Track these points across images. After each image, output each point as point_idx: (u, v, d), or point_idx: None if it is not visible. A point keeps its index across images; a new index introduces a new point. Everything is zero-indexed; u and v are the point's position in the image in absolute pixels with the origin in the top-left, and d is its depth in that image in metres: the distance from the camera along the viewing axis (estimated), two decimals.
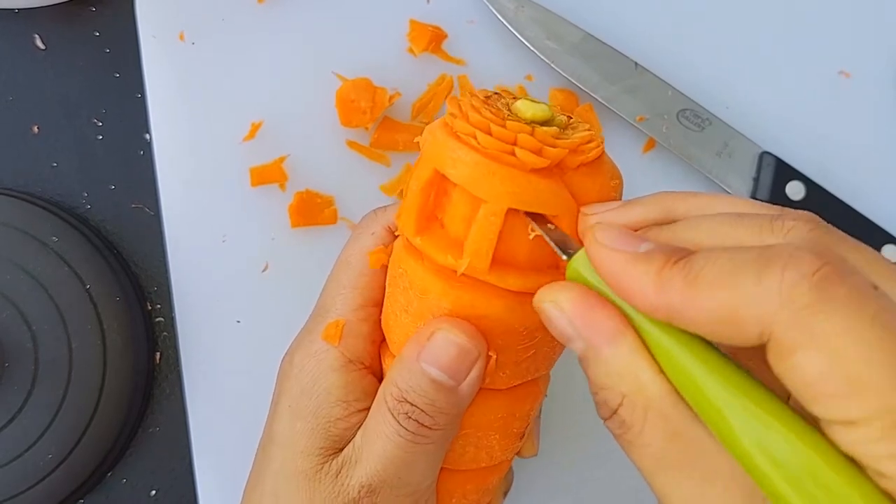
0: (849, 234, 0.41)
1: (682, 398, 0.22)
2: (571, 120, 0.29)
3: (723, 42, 0.43)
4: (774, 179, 0.40)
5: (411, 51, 0.41)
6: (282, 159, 0.41)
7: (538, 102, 0.28)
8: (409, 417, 0.27)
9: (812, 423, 0.20)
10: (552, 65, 0.41)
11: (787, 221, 0.22)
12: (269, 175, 0.40)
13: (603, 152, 0.28)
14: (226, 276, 0.41)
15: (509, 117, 0.27)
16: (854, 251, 0.21)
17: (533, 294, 0.26)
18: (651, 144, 0.42)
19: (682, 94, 0.41)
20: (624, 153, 0.42)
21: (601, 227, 0.23)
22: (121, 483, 0.42)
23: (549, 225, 0.26)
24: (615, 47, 0.41)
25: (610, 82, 0.41)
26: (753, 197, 0.41)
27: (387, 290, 0.30)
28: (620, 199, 0.28)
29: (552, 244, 0.25)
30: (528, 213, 0.26)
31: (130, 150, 0.42)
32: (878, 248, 0.41)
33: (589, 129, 0.28)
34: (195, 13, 0.41)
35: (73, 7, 0.42)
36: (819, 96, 0.43)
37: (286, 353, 0.32)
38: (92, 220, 0.42)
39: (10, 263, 0.39)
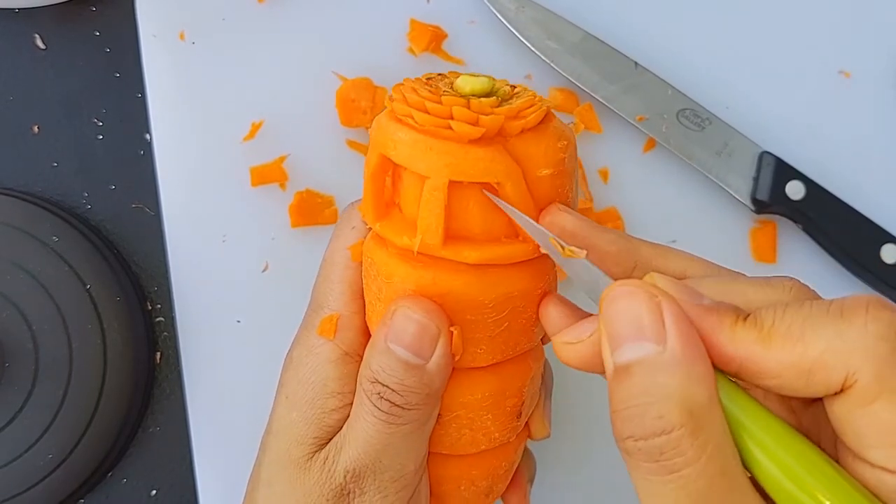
0: (849, 233, 0.41)
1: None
2: (516, 89, 0.29)
3: (723, 42, 0.43)
4: (774, 179, 0.40)
5: (412, 50, 0.41)
6: (282, 159, 0.41)
7: (478, 76, 0.28)
8: (382, 398, 0.28)
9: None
10: (552, 64, 0.41)
11: (785, 282, 0.24)
12: (269, 175, 0.40)
13: (549, 116, 0.28)
14: (226, 276, 0.41)
15: (447, 93, 0.27)
16: None
17: (493, 265, 0.27)
18: (651, 144, 0.42)
19: (682, 93, 0.41)
20: (624, 153, 0.42)
21: (661, 276, 0.23)
22: (121, 483, 0.42)
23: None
24: (615, 47, 0.41)
25: (610, 82, 0.41)
26: (753, 197, 0.41)
27: (364, 283, 0.31)
28: (572, 161, 0.28)
29: (600, 274, 0.25)
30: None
31: (131, 149, 0.42)
32: (878, 248, 0.41)
33: (533, 96, 0.28)
34: (195, 13, 0.41)
35: (73, 7, 0.42)
36: (819, 96, 0.43)
37: (289, 349, 0.33)
38: (92, 220, 0.42)
39: (10, 263, 0.39)
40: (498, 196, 0.27)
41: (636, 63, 0.41)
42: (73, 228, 0.40)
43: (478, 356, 0.29)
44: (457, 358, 0.28)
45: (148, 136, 0.42)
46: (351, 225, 0.32)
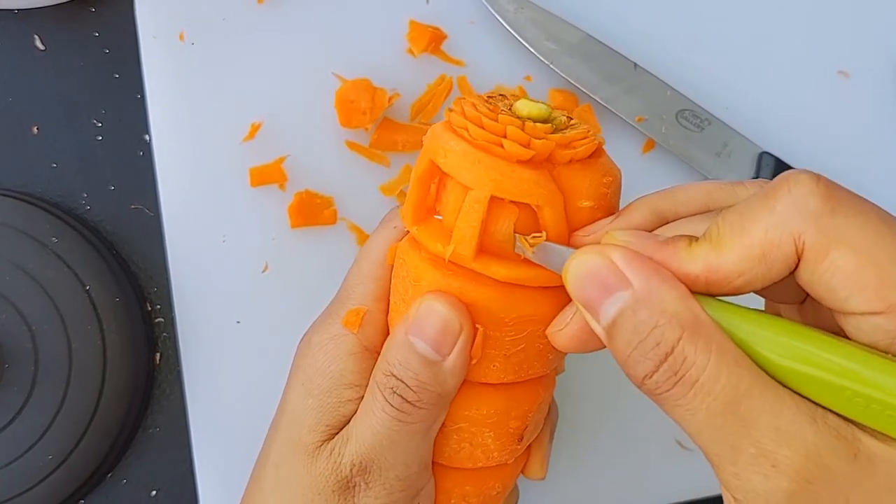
0: None
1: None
2: (572, 121, 0.29)
3: (722, 42, 0.43)
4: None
5: (411, 51, 0.41)
6: (281, 159, 0.41)
7: (538, 102, 0.28)
8: (395, 392, 0.28)
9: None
10: (551, 66, 0.41)
11: (749, 183, 0.26)
12: (268, 175, 0.41)
13: (600, 151, 0.29)
14: (226, 276, 0.41)
15: (505, 113, 0.28)
16: None
17: (519, 286, 0.27)
18: (650, 145, 0.42)
19: (682, 94, 0.41)
20: (623, 154, 0.42)
21: (620, 231, 0.25)
22: (121, 483, 0.42)
23: (537, 235, 0.27)
24: (614, 48, 0.41)
25: (609, 83, 0.41)
26: None
27: (392, 283, 0.31)
28: (615, 197, 0.29)
29: (541, 263, 0.26)
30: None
31: (130, 150, 0.42)
32: None
33: (587, 129, 0.28)
34: (195, 13, 0.41)
35: (72, 7, 0.42)
36: (819, 96, 0.43)
37: (305, 334, 0.33)
38: (91, 221, 0.42)
39: (9, 264, 0.39)
40: (534, 219, 0.27)
41: (635, 64, 0.41)
42: (72, 229, 0.40)
43: (490, 372, 0.29)
44: (474, 361, 0.29)
45: (147, 137, 0.42)
46: (394, 224, 0.32)
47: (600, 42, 0.41)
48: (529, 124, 0.27)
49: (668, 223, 0.27)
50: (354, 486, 0.29)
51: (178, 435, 0.42)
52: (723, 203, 0.26)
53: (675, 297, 0.23)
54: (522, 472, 0.35)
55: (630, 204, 0.28)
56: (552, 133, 0.27)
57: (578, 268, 0.24)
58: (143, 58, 0.41)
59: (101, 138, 0.42)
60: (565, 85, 0.41)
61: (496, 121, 0.27)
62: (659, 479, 0.42)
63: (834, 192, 0.22)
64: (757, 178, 0.41)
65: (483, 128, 0.27)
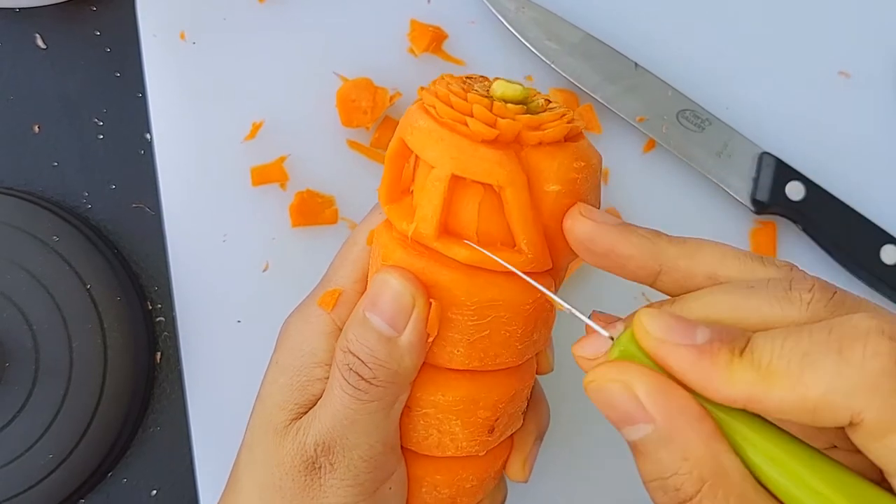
0: (849, 234, 0.41)
1: (755, 478, 0.22)
2: (551, 104, 0.29)
3: (722, 42, 0.43)
4: (774, 180, 0.40)
5: (412, 51, 0.41)
6: (282, 159, 0.41)
7: (515, 83, 0.28)
8: (351, 370, 0.28)
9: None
10: (552, 65, 0.41)
11: (803, 293, 0.23)
12: (269, 175, 0.41)
13: (577, 136, 0.28)
14: (226, 275, 0.41)
15: (476, 93, 0.27)
16: (875, 310, 0.23)
17: (483, 269, 0.27)
18: (651, 145, 0.42)
19: (682, 94, 0.41)
20: (624, 153, 0.42)
21: (650, 315, 0.23)
22: (121, 483, 0.42)
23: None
24: (615, 48, 0.41)
25: (610, 83, 0.41)
26: (753, 198, 0.41)
27: (369, 264, 0.31)
28: (587, 183, 0.28)
29: (590, 323, 0.25)
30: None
31: (131, 149, 0.42)
32: (878, 249, 0.41)
33: (564, 113, 0.28)
34: (196, 12, 0.41)
35: (73, 6, 0.42)
36: (819, 96, 0.43)
37: (288, 316, 0.33)
38: (93, 220, 0.42)
39: (10, 263, 0.39)
40: (499, 201, 0.27)
41: (636, 64, 0.41)
42: (73, 228, 0.40)
43: (454, 357, 0.29)
44: (430, 339, 0.28)
45: (148, 136, 0.42)
46: (380, 210, 0.32)
47: (601, 42, 0.41)
48: (498, 104, 0.27)
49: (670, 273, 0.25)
50: (320, 466, 0.29)
51: (178, 434, 0.42)
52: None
53: (699, 440, 0.21)
54: (505, 471, 0.34)
55: (636, 228, 0.26)
56: (524, 114, 0.27)
57: (597, 393, 0.23)
58: (145, 57, 0.41)
59: (102, 137, 0.42)
60: (566, 84, 0.41)
61: (465, 99, 0.27)
62: None
63: None
64: (757, 178, 0.41)
65: (451, 106, 0.27)
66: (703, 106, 0.41)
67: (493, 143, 0.26)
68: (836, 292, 0.23)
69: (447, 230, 0.27)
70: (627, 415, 0.22)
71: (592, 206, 0.28)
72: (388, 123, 0.41)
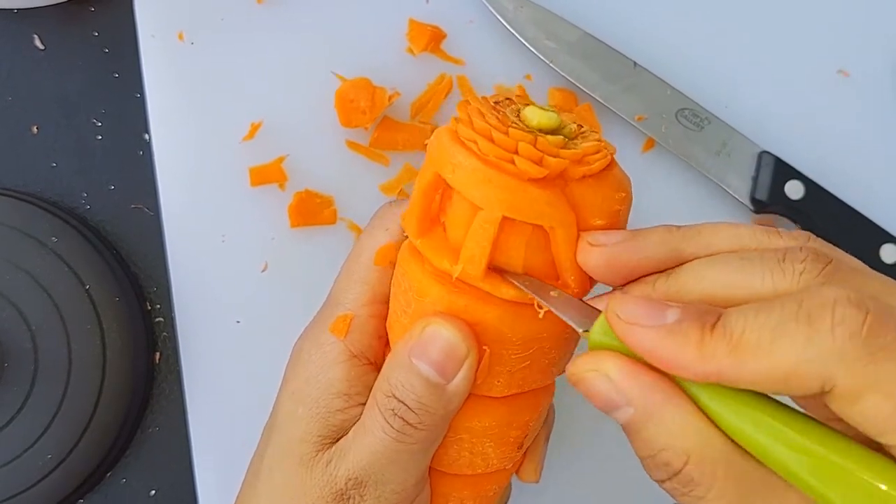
0: (848, 233, 0.41)
1: (740, 446, 0.22)
2: (582, 129, 0.29)
3: (722, 41, 0.43)
4: (773, 178, 0.40)
5: (410, 50, 0.41)
6: (281, 159, 0.41)
7: (547, 110, 0.27)
8: (396, 415, 0.28)
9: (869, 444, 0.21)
10: (551, 64, 0.41)
11: (795, 264, 0.23)
12: (268, 175, 0.40)
13: (612, 164, 0.28)
14: (226, 276, 0.41)
15: (514, 125, 0.27)
16: (867, 279, 0.23)
17: (528, 304, 0.27)
18: (650, 144, 0.42)
19: (681, 93, 0.41)
20: (623, 153, 0.42)
21: (619, 301, 0.23)
22: (121, 483, 0.42)
23: (553, 293, 0.26)
24: (614, 47, 0.41)
25: (609, 82, 0.41)
26: (752, 197, 0.41)
27: (391, 290, 0.30)
28: (626, 212, 0.28)
29: (565, 318, 0.25)
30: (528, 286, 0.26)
31: (130, 150, 0.42)
32: (877, 248, 0.41)
33: (598, 140, 0.28)
34: (194, 13, 0.41)
35: (72, 7, 0.42)
36: (818, 95, 0.43)
37: (298, 339, 0.33)
38: (91, 220, 0.42)
39: (9, 263, 0.39)
40: (546, 238, 0.26)
41: (635, 63, 0.41)
42: (72, 228, 0.40)
43: (494, 387, 0.29)
44: (479, 382, 0.28)
45: (147, 136, 0.42)
46: (384, 227, 0.32)
47: (600, 41, 0.41)
48: (542, 139, 0.26)
49: (685, 263, 0.25)
50: (349, 498, 0.29)
51: (178, 435, 0.42)
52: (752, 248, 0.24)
53: (676, 415, 0.22)
54: (517, 474, 0.34)
55: (649, 233, 0.26)
56: (564, 146, 0.26)
57: (578, 385, 0.24)
58: (143, 57, 0.41)
59: (100, 138, 0.42)
60: (565, 83, 0.41)
61: (506, 134, 0.26)
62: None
63: (879, 333, 0.20)
64: (756, 177, 0.41)
65: (493, 142, 0.26)
66: (703, 105, 0.41)
67: (541, 181, 0.26)
68: (830, 262, 0.23)
69: (490, 267, 0.27)
70: (610, 400, 0.23)
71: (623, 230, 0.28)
72: (386, 123, 0.41)
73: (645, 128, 0.41)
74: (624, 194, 0.27)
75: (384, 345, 0.32)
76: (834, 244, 0.40)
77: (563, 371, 0.34)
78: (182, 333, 0.41)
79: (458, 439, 0.30)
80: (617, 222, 0.27)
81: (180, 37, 0.41)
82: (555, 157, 0.26)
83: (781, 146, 0.42)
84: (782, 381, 0.21)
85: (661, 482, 0.23)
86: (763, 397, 0.22)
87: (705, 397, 0.22)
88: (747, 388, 0.22)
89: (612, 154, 0.28)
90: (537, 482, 0.35)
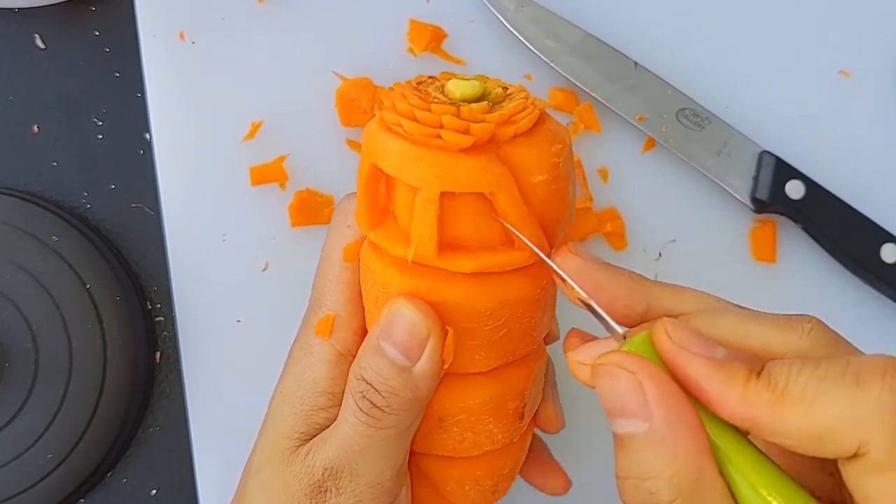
0: (849, 233, 0.41)
1: (733, 495, 0.22)
2: (508, 91, 0.28)
3: (722, 41, 0.43)
4: (774, 178, 0.40)
5: (411, 50, 0.41)
6: (282, 158, 0.41)
7: (468, 79, 0.27)
8: (364, 397, 0.28)
9: None
10: (552, 64, 0.41)
11: (803, 324, 0.23)
12: (269, 174, 0.41)
13: (542, 118, 0.28)
14: (226, 275, 0.41)
15: (437, 101, 0.27)
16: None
17: (490, 274, 0.27)
18: (651, 144, 0.42)
19: (682, 93, 0.41)
20: (623, 153, 0.42)
21: (671, 323, 0.23)
22: (121, 483, 0.42)
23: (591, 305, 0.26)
24: (615, 47, 0.41)
25: (610, 82, 0.41)
26: (753, 197, 0.41)
27: (362, 287, 0.31)
28: (568, 164, 0.28)
29: (606, 321, 0.25)
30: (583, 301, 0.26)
31: (130, 149, 0.42)
32: (878, 248, 0.41)
33: (525, 98, 0.27)
34: (195, 12, 0.41)
35: (73, 6, 0.42)
36: (819, 96, 0.43)
37: (290, 347, 0.33)
38: (92, 220, 0.42)
39: (10, 263, 0.39)
40: (490, 205, 0.26)
41: (636, 63, 0.41)
42: (72, 228, 0.40)
43: (477, 362, 0.29)
44: (447, 365, 0.28)
45: (148, 136, 0.42)
46: (346, 223, 0.32)
47: (601, 41, 0.41)
48: (465, 108, 0.26)
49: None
50: (326, 490, 0.29)
51: (178, 434, 0.42)
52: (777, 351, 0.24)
53: (690, 450, 0.21)
54: (541, 427, 0.34)
55: (623, 275, 0.26)
56: (490, 111, 0.26)
57: (604, 377, 0.23)
58: (144, 57, 0.41)
59: (101, 137, 0.42)
60: (566, 83, 0.41)
61: (429, 110, 0.26)
62: None
63: None
64: (757, 177, 0.41)
65: (417, 121, 0.26)
66: (703, 105, 0.41)
67: (471, 149, 0.26)
68: (831, 330, 0.23)
69: (444, 244, 0.27)
70: (626, 406, 0.22)
71: (572, 183, 0.28)
72: None
73: (646, 128, 0.41)
74: (560, 146, 0.27)
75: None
76: (834, 243, 0.41)
77: (550, 335, 0.34)
78: (182, 333, 0.41)
79: (456, 421, 0.30)
80: (559, 175, 0.27)
81: (181, 36, 0.41)
82: (480, 122, 0.26)
83: (782, 146, 0.42)
84: (817, 438, 0.21)
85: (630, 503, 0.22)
86: (773, 464, 0.22)
87: (724, 445, 0.22)
88: (779, 441, 0.21)
89: (541, 109, 0.27)
90: (564, 428, 0.34)
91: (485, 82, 0.28)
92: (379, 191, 0.28)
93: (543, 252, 0.27)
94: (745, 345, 0.23)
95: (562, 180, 0.27)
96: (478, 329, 0.28)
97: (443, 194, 0.26)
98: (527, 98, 0.27)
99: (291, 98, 0.41)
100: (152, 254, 0.42)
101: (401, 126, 0.26)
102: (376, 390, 0.28)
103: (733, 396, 0.21)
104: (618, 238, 0.41)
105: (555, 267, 0.27)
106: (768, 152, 0.41)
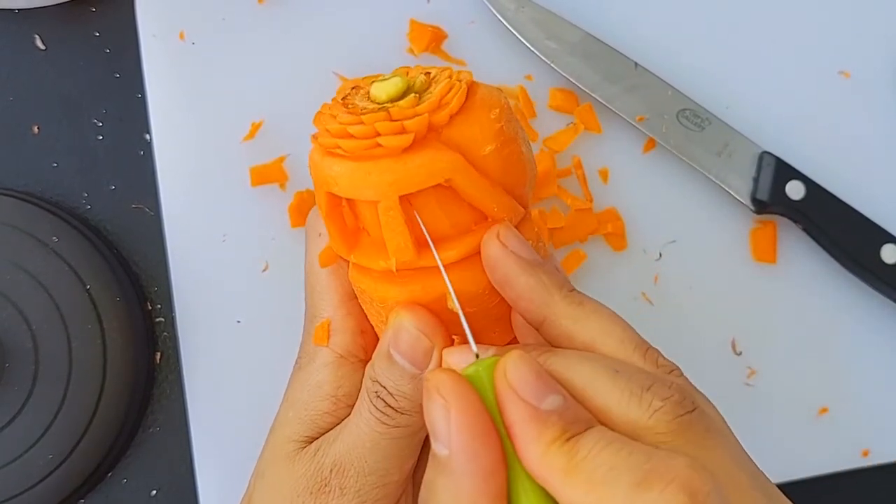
0: (849, 233, 0.41)
1: None
2: (432, 75, 0.28)
3: (723, 42, 0.43)
4: (774, 179, 0.40)
5: (411, 51, 0.41)
6: (282, 159, 0.41)
7: (389, 78, 0.28)
8: (378, 396, 0.28)
9: None
10: (552, 65, 0.41)
11: (655, 400, 0.23)
12: (269, 175, 0.41)
13: (472, 90, 0.28)
14: (226, 276, 0.41)
15: (366, 110, 0.27)
16: (716, 447, 0.23)
17: (475, 253, 0.27)
18: (651, 144, 0.42)
19: (682, 93, 0.41)
20: (624, 153, 0.42)
21: (515, 361, 0.23)
22: (121, 483, 0.42)
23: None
24: (615, 47, 0.41)
25: (610, 82, 0.41)
26: (753, 197, 0.41)
27: (363, 308, 0.31)
28: (511, 123, 0.28)
29: (468, 336, 0.26)
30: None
31: (130, 150, 0.42)
32: (878, 248, 0.41)
33: (449, 77, 0.27)
34: (195, 13, 0.41)
35: (73, 7, 0.42)
36: (819, 96, 0.43)
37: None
38: (92, 221, 0.42)
39: (10, 263, 0.39)
40: (452, 191, 0.26)
41: (636, 63, 0.41)
42: (72, 228, 0.40)
43: (494, 339, 0.29)
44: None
45: (148, 137, 0.42)
46: (317, 232, 0.33)
47: (601, 41, 0.41)
48: (395, 109, 0.26)
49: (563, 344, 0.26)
50: (330, 490, 0.29)
51: (178, 434, 0.42)
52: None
53: (476, 490, 0.22)
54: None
55: (540, 276, 0.26)
56: (419, 102, 0.26)
57: (424, 394, 0.23)
58: (144, 57, 0.41)
59: (101, 138, 0.42)
60: (566, 84, 0.41)
61: (362, 122, 0.26)
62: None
63: None
64: (757, 178, 0.41)
65: (353, 136, 0.26)
66: (704, 105, 0.41)
67: (414, 146, 0.26)
68: (693, 410, 0.23)
69: (421, 242, 0.27)
70: (433, 429, 0.22)
71: (523, 139, 0.28)
72: None
73: (646, 128, 0.41)
74: (497, 110, 0.27)
75: (369, 339, 0.32)
76: (835, 244, 0.41)
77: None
78: (182, 333, 0.41)
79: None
80: (506, 138, 0.27)
81: (181, 37, 0.41)
82: (413, 118, 0.26)
83: (782, 147, 0.42)
84: None
85: None
86: None
87: (526, 487, 0.22)
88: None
89: (467, 83, 0.27)
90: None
91: (406, 74, 0.28)
92: (343, 214, 0.28)
93: (519, 212, 0.28)
94: (589, 403, 0.23)
95: (511, 142, 0.27)
96: (482, 310, 0.28)
97: (402, 198, 0.26)
98: (451, 76, 0.27)
99: (292, 98, 0.41)
100: (152, 254, 0.42)
101: (339, 147, 0.26)
102: (389, 393, 0.28)
103: (535, 453, 0.21)
104: (618, 239, 0.41)
105: (443, 271, 0.26)
106: (768, 153, 0.41)
